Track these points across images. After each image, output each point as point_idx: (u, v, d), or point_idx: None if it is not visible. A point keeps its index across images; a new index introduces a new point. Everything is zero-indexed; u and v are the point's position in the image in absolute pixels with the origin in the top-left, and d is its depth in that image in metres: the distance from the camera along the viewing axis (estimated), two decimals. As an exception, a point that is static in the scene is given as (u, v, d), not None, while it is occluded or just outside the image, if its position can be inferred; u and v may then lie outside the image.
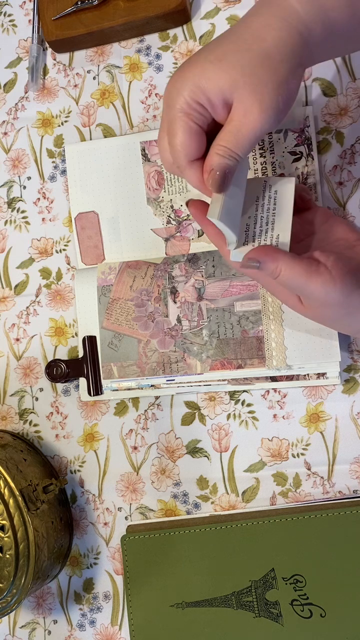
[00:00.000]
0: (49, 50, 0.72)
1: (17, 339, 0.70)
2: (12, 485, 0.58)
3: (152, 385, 0.63)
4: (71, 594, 0.67)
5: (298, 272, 0.46)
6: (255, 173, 0.63)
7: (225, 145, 0.44)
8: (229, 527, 0.61)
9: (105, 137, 0.69)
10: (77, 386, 0.67)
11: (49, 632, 0.67)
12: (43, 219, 0.70)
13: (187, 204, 0.60)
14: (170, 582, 0.62)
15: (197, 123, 0.45)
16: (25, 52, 0.73)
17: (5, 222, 0.72)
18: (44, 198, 0.71)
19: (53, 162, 0.71)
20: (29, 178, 0.71)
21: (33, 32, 0.72)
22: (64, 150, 0.70)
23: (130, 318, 0.63)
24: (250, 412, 0.63)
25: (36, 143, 0.71)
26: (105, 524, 0.66)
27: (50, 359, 0.68)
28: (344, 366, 0.60)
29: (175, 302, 0.63)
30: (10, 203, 0.72)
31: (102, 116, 0.70)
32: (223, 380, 0.62)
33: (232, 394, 0.63)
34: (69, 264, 0.69)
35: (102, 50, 0.70)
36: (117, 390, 0.64)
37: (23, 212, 0.71)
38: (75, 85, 0.71)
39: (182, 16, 0.66)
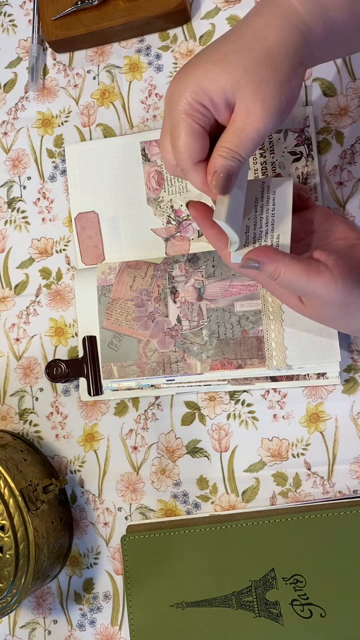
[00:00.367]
0: (49, 50, 0.72)
1: (17, 339, 0.70)
2: (12, 485, 0.58)
3: (152, 385, 0.63)
4: (71, 594, 0.67)
5: (298, 273, 0.46)
6: (255, 173, 0.63)
7: (228, 146, 0.44)
8: (229, 527, 0.61)
9: (105, 137, 0.69)
10: (77, 386, 0.67)
11: (49, 632, 0.67)
12: (43, 219, 0.70)
13: (187, 205, 0.61)
14: (170, 582, 0.62)
15: (200, 124, 0.45)
16: (25, 52, 0.73)
17: (5, 222, 0.72)
18: (44, 198, 0.71)
19: (53, 162, 0.71)
20: (29, 178, 0.71)
21: (33, 32, 0.72)
22: (64, 150, 0.70)
23: (130, 318, 0.63)
24: (250, 412, 0.63)
25: (36, 143, 0.71)
26: (105, 524, 0.66)
27: (50, 359, 0.68)
28: (344, 366, 0.61)
29: (175, 302, 0.63)
30: (10, 203, 0.72)
31: (102, 116, 0.70)
32: (223, 380, 0.62)
33: (232, 394, 0.63)
34: (69, 264, 0.69)
35: (102, 50, 0.70)
36: (117, 390, 0.64)
37: (23, 212, 0.71)
38: (75, 85, 0.71)
39: (182, 16, 0.67)
